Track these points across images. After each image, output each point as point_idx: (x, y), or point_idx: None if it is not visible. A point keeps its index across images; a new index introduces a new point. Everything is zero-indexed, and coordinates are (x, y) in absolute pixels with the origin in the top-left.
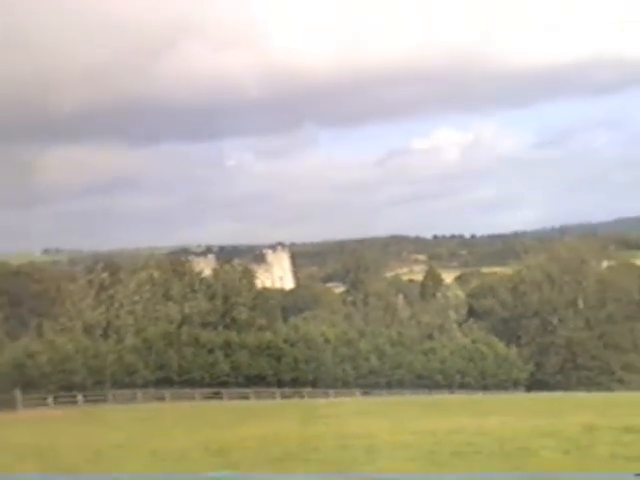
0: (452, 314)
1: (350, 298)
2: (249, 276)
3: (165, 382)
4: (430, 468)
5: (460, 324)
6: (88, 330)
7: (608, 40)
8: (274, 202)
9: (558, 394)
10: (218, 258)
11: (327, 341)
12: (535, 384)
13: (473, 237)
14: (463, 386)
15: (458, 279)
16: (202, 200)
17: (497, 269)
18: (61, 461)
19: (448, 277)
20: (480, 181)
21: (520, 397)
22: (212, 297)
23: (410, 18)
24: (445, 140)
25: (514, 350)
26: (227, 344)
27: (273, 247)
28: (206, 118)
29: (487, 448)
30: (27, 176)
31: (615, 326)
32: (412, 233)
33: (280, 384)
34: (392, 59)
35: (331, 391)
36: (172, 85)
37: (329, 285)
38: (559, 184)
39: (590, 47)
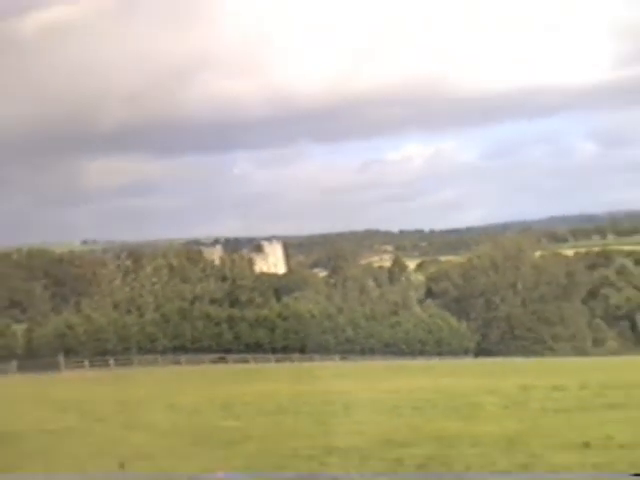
0: (413, 294)
1: (331, 281)
2: (249, 263)
3: (180, 349)
4: (395, 420)
5: (420, 302)
6: (117, 306)
7: (544, 71)
8: (271, 203)
9: (499, 360)
10: (224, 248)
11: (312, 316)
12: (481, 351)
13: (432, 231)
14: (422, 353)
15: (419, 266)
16: (212, 201)
17: (451, 257)
18: (95, 412)
19: (411, 264)
20: (439, 186)
21: (468, 362)
22: (219, 280)
23: (385, 54)
24: (412, 152)
25: (464, 324)
26: (231, 318)
27: (269, 239)
28: (218, 134)
29: (442, 403)
30: (73, 181)
31: (546, 304)
32: (382, 228)
33: (274, 351)
34: (371, 87)
35: (315, 356)
36: (191, 106)
37: (314, 270)
38: (503, 188)
39: (529, 77)
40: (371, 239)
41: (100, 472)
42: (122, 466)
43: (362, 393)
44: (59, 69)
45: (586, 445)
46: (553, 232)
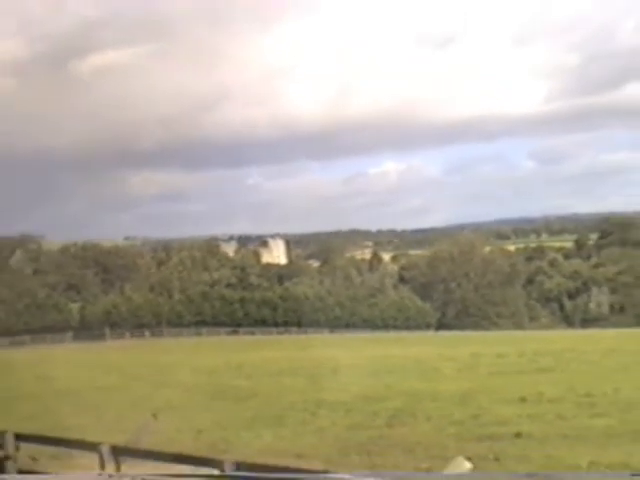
0: (388, 281)
1: (323, 270)
2: (257, 255)
3: (201, 323)
4: (372, 380)
5: (393, 287)
6: (151, 289)
7: (493, 103)
8: (275, 208)
9: (455, 333)
10: (238, 244)
11: (307, 298)
12: (441, 326)
13: (403, 231)
14: (394, 327)
15: (393, 258)
16: (229, 206)
17: (418, 252)
18: (133, 373)
19: (386, 257)
20: (409, 194)
21: (431, 335)
22: (233, 269)
23: (368, 90)
24: (389, 168)
25: (428, 304)
26: (242, 299)
27: (273, 237)
28: (234, 153)
29: (409, 367)
30: (118, 189)
31: (492, 289)
32: (363, 228)
33: (276, 325)
34: (357, 116)
35: (309, 330)
36: (213, 130)
37: (309, 262)
38: (459, 197)
39: (481, 108)
40: (354, 237)
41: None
42: (155, 416)
43: (346, 359)
44: (109, 100)
45: (523, 400)
46: (499, 232)
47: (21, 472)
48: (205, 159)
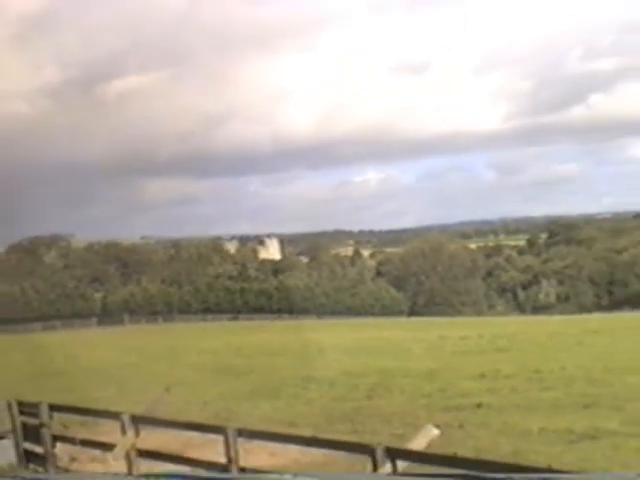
0: (367, 274)
1: (311, 265)
2: (255, 252)
3: (207, 311)
4: (353, 359)
5: (372, 280)
6: (164, 281)
7: (458, 121)
8: (272, 211)
9: (425, 319)
10: (238, 242)
11: (298, 288)
12: (412, 313)
13: (380, 231)
14: (372, 314)
15: (371, 255)
16: (232, 210)
17: (393, 249)
18: (149, 353)
19: (365, 253)
20: (386, 200)
21: (403, 321)
22: (234, 264)
23: (353, 108)
24: (370, 177)
25: (401, 294)
26: (242, 290)
27: (269, 236)
28: (238, 163)
29: (385, 348)
30: (137, 195)
31: (457, 281)
32: (347, 228)
33: (271, 312)
34: (344, 131)
35: (300, 316)
36: (220, 144)
37: (300, 258)
38: (429, 202)
39: (448, 125)
40: (339, 236)
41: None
42: (168, 389)
43: (331, 341)
44: (131, 119)
45: (482, 376)
46: (462, 232)
47: (54, 437)
48: (212, 169)
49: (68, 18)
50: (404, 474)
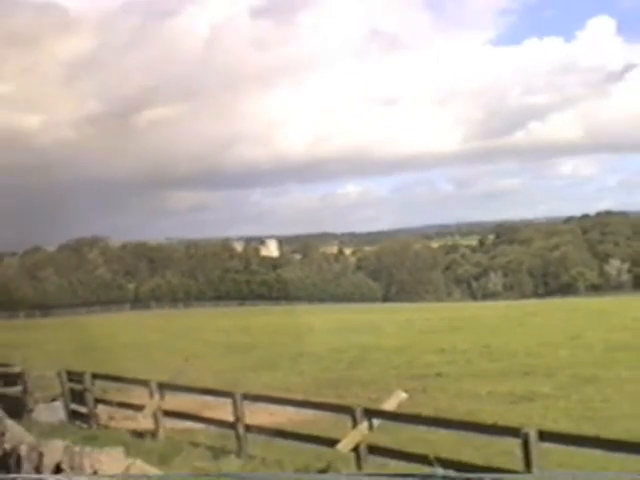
0: (349, 268)
1: (304, 261)
2: (257, 251)
3: (218, 298)
4: (337, 337)
5: (353, 273)
6: (184, 275)
7: (421, 143)
8: (271, 218)
9: (396, 304)
10: (244, 242)
11: (292, 280)
12: (385, 300)
13: (360, 233)
14: (353, 300)
15: (352, 253)
16: (238, 216)
17: (370, 248)
18: (171, 332)
19: (347, 252)
20: (364, 208)
21: (378, 306)
22: (240, 260)
23: (336, 132)
24: (351, 190)
25: (377, 284)
26: (247, 281)
27: (269, 238)
28: (243, 179)
29: (363, 328)
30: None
31: (421, 274)
32: (332, 231)
33: (271, 299)
34: (331, 152)
35: (294, 302)
36: (228, 164)
37: (294, 255)
38: (399, 210)
39: (412, 146)
40: (326, 238)
41: (172, 365)
42: (188, 361)
43: (319, 322)
44: (157, 142)
45: (442, 350)
46: (426, 234)
47: (96, 400)
48: (222, 183)
49: (107, 61)
50: (396, 474)
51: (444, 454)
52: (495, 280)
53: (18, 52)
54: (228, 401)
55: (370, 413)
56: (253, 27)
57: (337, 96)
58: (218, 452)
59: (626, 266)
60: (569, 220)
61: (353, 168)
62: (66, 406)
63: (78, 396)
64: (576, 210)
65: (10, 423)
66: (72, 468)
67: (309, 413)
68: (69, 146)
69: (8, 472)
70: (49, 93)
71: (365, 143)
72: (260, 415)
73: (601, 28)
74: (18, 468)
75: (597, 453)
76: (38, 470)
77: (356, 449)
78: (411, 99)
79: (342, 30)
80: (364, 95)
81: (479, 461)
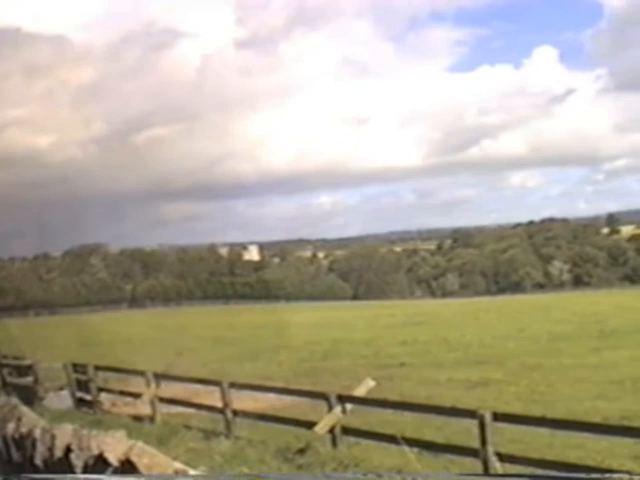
0: (322, 271)
1: (281, 264)
2: (240, 255)
3: (206, 298)
4: (312, 331)
5: (325, 274)
6: (175, 277)
7: (390, 157)
8: (253, 227)
9: (364, 302)
10: (229, 248)
11: (271, 282)
12: (355, 298)
13: (332, 239)
14: (326, 299)
15: (324, 257)
16: (224, 225)
17: (341, 252)
18: (164, 328)
19: (321, 255)
20: (336, 217)
21: (348, 304)
22: (225, 264)
23: (311, 151)
24: (324, 200)
25: (347, 284)
26: (231, 282)
27: (251, 243)
28: (230, 191)
29: (335, 323)
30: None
31: (386, 275)
32: (306, 237)
33: (253, 298)
34: (307, 167)
35: (273, 301)
36: (218, 177)
37: (273, 259)
38: (366, 218)
39: (379, 162)
40: (301, 244)
41: (166, 358)
42: (180, 353)
43: (296, 319)
44: (154, 159)
45: (405, 342)
46: (390, 239)
47: (99, 389)
48: (211, 195)
49: (111, 88)
50: (397, 473)
51: (408, 434)
52: (452, 280)
53: (32, 80)
54: (216, 389)
55: (343, 399)
56: (240, 57)
57: (314, 117)
58: (209, 434)
59: (567, 267)
60: (517, 226)
61: (327, 181)
62: (72, 394)
63: (83, 385)
64: (523, 217)
65: (25, 409)
66: (81, 449)
67: (289, 399)
68: (76, 163)
69: (24, 452)
70: (59, 116)
71: (338, 159)
72: (245, 401)
73: (545, 57)
74: (33, 448)
75: (544, 431)
76: (51, 451)
77: (331, 431)
78: (379, 120)
79: (318, 59)
80: (338, 116)
81: (440, 440)
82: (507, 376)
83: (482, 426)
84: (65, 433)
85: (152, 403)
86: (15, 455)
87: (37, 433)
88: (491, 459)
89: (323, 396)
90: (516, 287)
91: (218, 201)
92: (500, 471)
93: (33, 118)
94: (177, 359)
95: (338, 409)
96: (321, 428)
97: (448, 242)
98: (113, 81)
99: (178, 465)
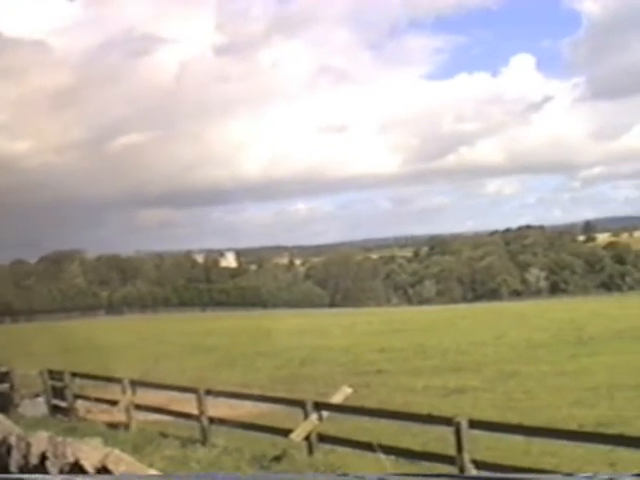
0: (299, 277)
1: (258, 271)
2: (217, 262)
3: (183, 305)
4: (290, 338)
5: (302, 281)
6: (152, 283)
7: (364, 165)
8: (230, 233)
9: (341, 309)
10: (205, 254)
11: (249, 288)
12: (332, 305)
13: (309, 246)
14: (303, 306)
15: (302, 263)
16: (201, 231)
17: (317, 259)
18: (141, 335)
19: (298, 262)
20: (313, 223)
21: (326, 311)
22: (202, 270)
23: (291, 159)
24: (300, 207)
25: (324, 292)
26: (208, 289)
27: (228, 250)
28: (206, 197)
29: (313, 330)
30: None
31: (363, 282)
32: (283, 244)
33: (229, 305)
34: (284, 173)
35: (251, 308)
36: (194, 183)
37: (250, 266)
38: (342, 225)
39: (357, 170)
40: (278, 250)
41: (143, 365)
42: (157, 360)
43: (273, 326)
44: (130, 165)
45: (382, 350)
46: (366, 246)
47: (75, 396)
48: (188, 201)
49: (88, 94)
50: (396, 474)
51: (385, 441)
52: (429, 287)
53: (9, 85)
54: (193, 396)
55: (319, 406)
56: (217, 64)
57: (290, 124)
58: (185, 441)
59: (544, 274)
60: (493, 233)
61: (303, 188)
62: (48, 401)
63: (59, 392)
64: (500, 225)
65: (0, 417)
66: (56, 456)
67: (265, 406)
68: (53, 169)
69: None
70: (36, 122)
71: (314, 166)
72: (221, 408)
73: (523, 65)
74: (8, 455)
75: (519, 439)
76: (26, 458)
77: (307, 438)
78: (356, 127)
79: (295, 66)
80: (314, 123)
81: (416, 447)
82: (484, 383)
83: (458, 433)
84: (40, 440)
85: (128, 410)
86: None
87: (12, 440)
88: (467, 466)
89: (300, 403)
90: (493, 294)
91: (195, 207)
92: None
93: (10, 123)
94: (154, 366)
95: (314, 416)
96: (297, 435)
97: (425, 249)
98: (90, 87)
99: (154, 472)
